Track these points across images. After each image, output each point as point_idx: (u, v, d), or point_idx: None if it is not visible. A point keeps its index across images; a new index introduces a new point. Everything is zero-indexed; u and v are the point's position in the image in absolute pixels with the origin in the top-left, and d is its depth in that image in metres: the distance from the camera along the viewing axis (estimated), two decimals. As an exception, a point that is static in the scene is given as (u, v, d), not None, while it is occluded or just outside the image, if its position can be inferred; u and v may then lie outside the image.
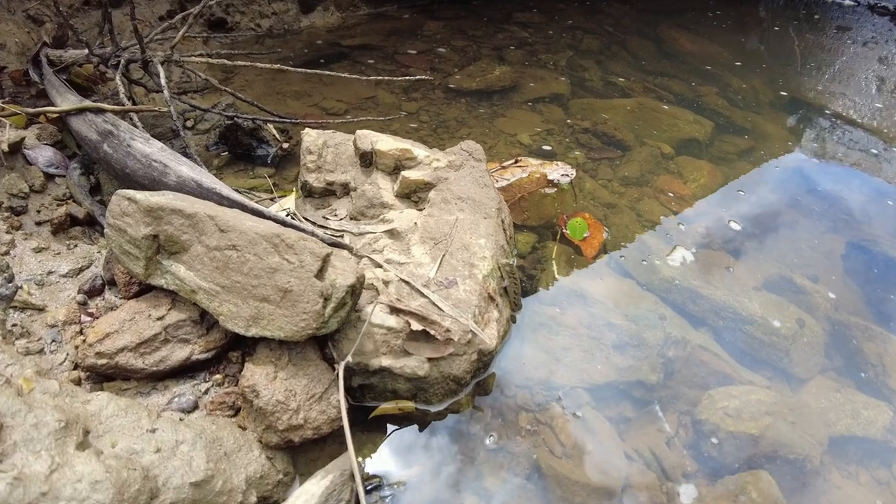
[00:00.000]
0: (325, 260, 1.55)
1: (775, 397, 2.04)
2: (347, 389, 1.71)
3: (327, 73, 2.69)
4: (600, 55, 4.13)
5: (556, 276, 2.25)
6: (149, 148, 2.16)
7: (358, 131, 2.29)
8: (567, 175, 2.64)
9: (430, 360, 1.65)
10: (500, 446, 1.79)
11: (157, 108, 2.36)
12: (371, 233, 2.02)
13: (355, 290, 1.58)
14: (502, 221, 2.06)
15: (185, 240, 1.67)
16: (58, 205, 2.42)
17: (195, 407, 1.71)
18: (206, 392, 1.77)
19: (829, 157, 3.38)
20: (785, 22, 5.22)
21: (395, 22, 4.34)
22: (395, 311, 1.67)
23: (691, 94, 3.79)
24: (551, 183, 2.62)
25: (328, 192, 2.26)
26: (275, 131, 2.91)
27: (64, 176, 2.56)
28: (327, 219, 2.17)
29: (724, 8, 5.30)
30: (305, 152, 2.28)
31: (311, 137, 2.31)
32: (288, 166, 2.90)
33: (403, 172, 2.13)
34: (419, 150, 2.20)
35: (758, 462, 1.88)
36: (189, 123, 3.09)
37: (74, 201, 2.46)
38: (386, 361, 1.65)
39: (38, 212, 2.36)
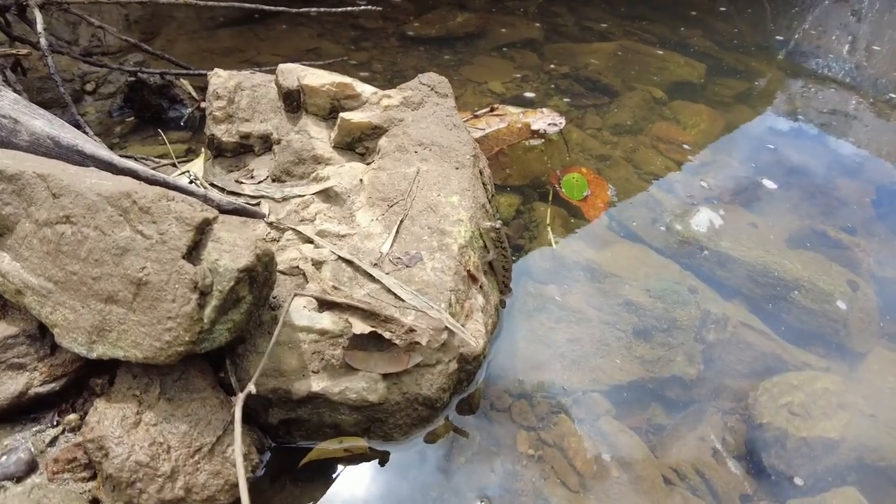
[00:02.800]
0: (202, 230, 0.91)
1: (843, 383, 1.48)
2: (267, 428, 1.09)
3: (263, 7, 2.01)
4: (573, 1, 3.49)
5: (553, 244, 1.64)
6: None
7: (281, 66, 1.63)
8: (555, 124, 2.02)
9: (386, 376, 1.04)
10: (494, 485, 1.18)
11: (14, 51, 1.65)
12: (298, 196, 1.37)
13: (256, 276, 0.94)
14: (480, 172, 1.43)
15: (7, 214, 1.01)
16: None
17: (31, 469, 1.06)
18: (51, 443, 1.12)
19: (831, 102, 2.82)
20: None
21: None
22: (326, 305, 1.04)
23: (676, 37, 3.19)
24: (536, 134, 1.99)
25: (243, 149, 1.60)
26: (191, 89, 2.21)
27: None
28: (241, 183, 1.51)
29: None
30: (212, 97, 1.61)
31: (219, 79, 1.64)
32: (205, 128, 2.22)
33: (343, 115, 1.48)
34: (363, 87, 1.55)
35: (841, 476, 1.31)
36: (90, 87, 2.37)
37: None
38: (318, 384, 1.03)
39: None
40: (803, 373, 1.47)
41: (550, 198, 1.77)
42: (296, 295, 1.02)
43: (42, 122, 1.37)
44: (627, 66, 2.79)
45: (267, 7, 2.15)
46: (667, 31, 3.26)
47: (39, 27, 1.94)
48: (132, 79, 2.14)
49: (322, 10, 2.11)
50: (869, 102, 2.84)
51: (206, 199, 1.18)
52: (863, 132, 2.58)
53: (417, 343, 1.02)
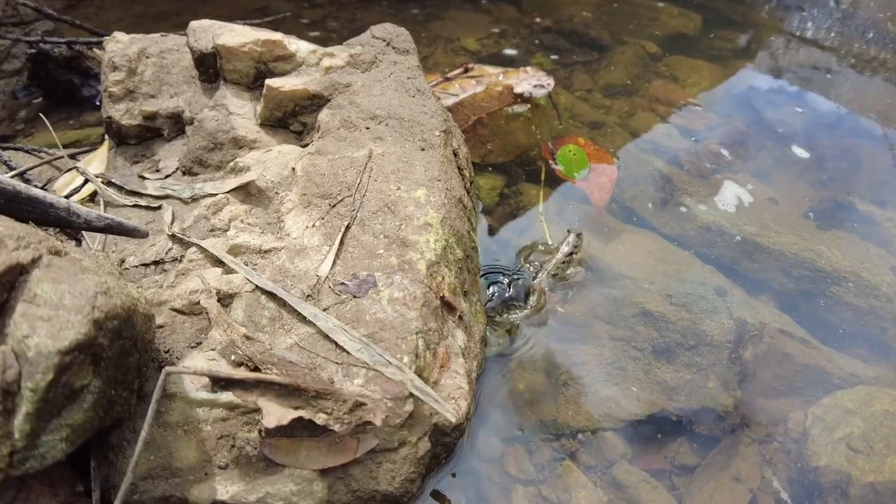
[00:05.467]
0: (9, 285, 0.53)
1: (901, 398, 1.17)
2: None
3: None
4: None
5: (549, 239, 1.27)
6: None
7: (193, 23, 1.20)
8: (542, 85, 1.62)
9: (325, 471, 0.69)
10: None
11: None
12: (210, 195, 0.98)
13: (103, 352, 0.57)
14: (454, 153, 1.05)
15: None
16: None
17: None
18: None
19: (843, 52, 2.45)
20: None
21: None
22: (221, 383, 0.67)
23: (666, -15, 2.77)
24: (520, 98, 1.60)
25: (150, 133, 1.18)
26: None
27: None
28: (144, 178, 1.11)
29: None
30: (108, 68, 1.18)
31: (118, 45, 1.20)
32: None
33: (270, 80, 1.08)
34: (298, 44, 1.14)
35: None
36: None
37: None
38: (227, 487, 0.67)
39: None
40: (855, 390, 1.15)
41: (543, 177, 1.39)
42: (168, 373, 0.65)
43: None
44: (617, 18, 2.38)
45: None
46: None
47: None
48: (33, 51, 1.68)
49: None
50: (873, 56, 2.48)
51: (68, 213, 0.79)
52: (870, 86, 2.23)
53: (370, 423, 0.66)
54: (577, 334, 1.14)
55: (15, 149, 1.39)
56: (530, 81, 1.62)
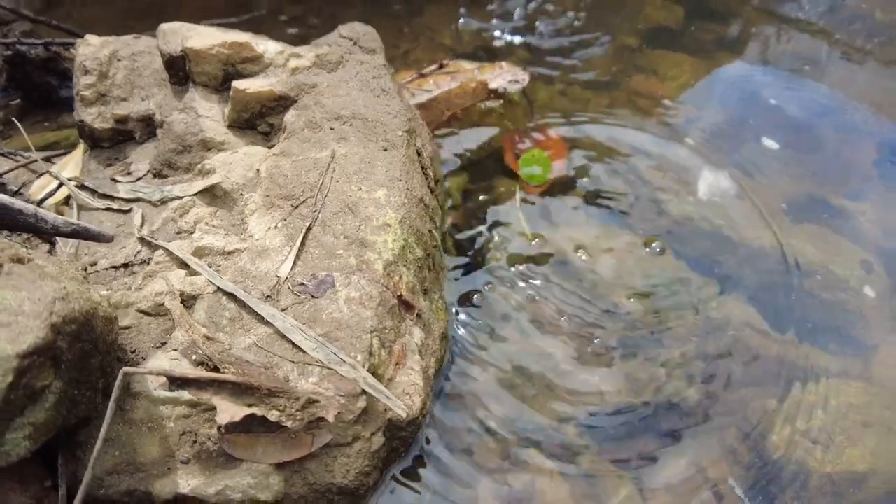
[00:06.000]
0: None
1: (865, 391, 1.21)
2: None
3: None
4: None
5: (529, 236, 1.31)
6: None
7: (163, 26, 1.23)
8: (517, 80, 1.65)
9: (281, 465, 0.73)
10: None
11: None
12: (178, 197, 1.03)
13: (62, 354, 0.61)
14: (418, 153, 1.09)
15: None
16: None
17: None
18: None
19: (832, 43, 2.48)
20: None
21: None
22: (178, 382, 0.72)
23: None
24: (494, 93, 1.64)
25: (122, 137, 1.22)
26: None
27: None
28: (116, 181, 1.15)
29: None
30: (79, 71, 1.21)
31: (90, 48, 1.24)
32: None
33: (236, 83, 1.12)
34: (266, 44, 1.18)
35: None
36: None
37: None
38: (189, 481, 0.71)
39: None
40: (820, 383, 1.20)
41: (520, 169, 1.42)
42: (125, 373, 0.69)
43: None
44: (597, 9, 2.41)
45: None
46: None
47: None
48: (9, 52, 1.72)
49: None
50: (860, 47, 2.51)
51: (35, 219, 0.83)
52: (857, 78, 2.26)
53: (323, 419, 0.71)
54: (544, 328, 1.18)
55: (-9, 151, 1.43)
56: (505, 77, 1.66)
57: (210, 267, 0.87)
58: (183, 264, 0.89)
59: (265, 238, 0.91)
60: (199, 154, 1.10)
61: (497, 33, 2.20)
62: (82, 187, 1.16)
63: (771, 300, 1.32)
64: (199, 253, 0.90)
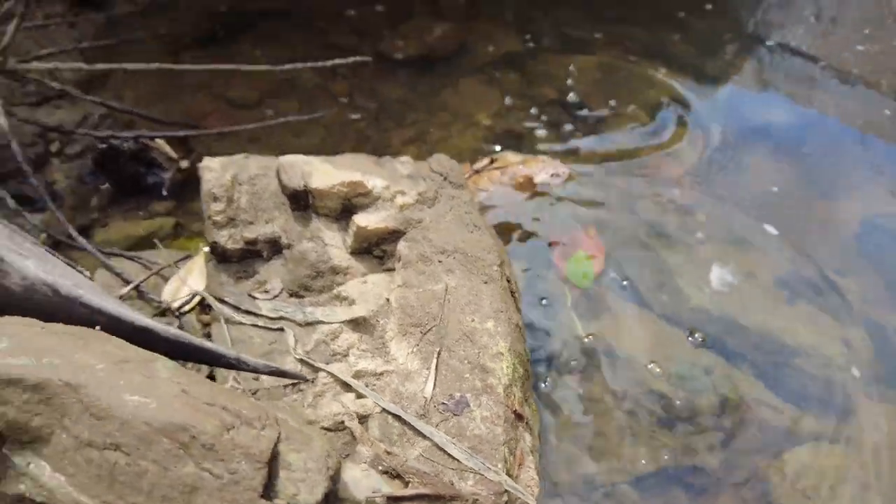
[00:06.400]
0: (273, 459, 0.86)
1: (844, 453, 1.58)
2: None
3: (229, 67, 1.86)
4: (548, 3, 3.37)
5: (582, 334, 1.64)
6: (-35, 226, 1.32)
7: (282, 160, 1.52)
8: (558, 174, 1.98)
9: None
10: None
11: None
12: (324, 322, 1.31)
13: (329, 495, 0.91)
14: (508, 282, 1.40)
15: (39, 426, 0.92)
16: None
17: None
18: None
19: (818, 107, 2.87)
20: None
21: (301, -28, 3.37)
22: (393, 499, 1.01)
23: (656, 43, 3.14)
24: (538, 187, 1.96)
25: (251, 254, 1.51)
26: (168, 148, 2.03)
27: None
28: (255, 298, 1.43)
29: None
30: (208, 198, 1.49)
31: (212, 173, 1.52)
32: (191, 193, 2.07)
33: (357, 218, 1.41)
34: (374, 181, 1.47)
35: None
36: (54, 147, 2.16)
37: None
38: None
39: None
40: (811, 445, 1.56)
41: (567, 266, 1.75)
42: (368, 500, 0.99)
43: (34, 263, 1.25)
44: (613, 86, 2.75)
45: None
46: (647, 35, 3.20)
47: (-10, 95, 1.75)
48: (104, 146, 1.96)
49: (317, 64, 1.96)
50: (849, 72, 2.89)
51: (238, 363, 1.12)
52: (843, 146, 2.64)
53: (481, 514, 1.02)
54: (597, 408, 1.52)
55: (117, 255, 1.68)
56: (547, 171, 1.98)
57: (367, 387, 1.17)
58: (346, 385, 1.18)
59: (406, 362, 1.21)
60: (329, 278, 1.39)
61: (524, 114, 2.52)
62: (222, 301, 1.44)
63: (774, 376, 1.68)
64: (357, 375, 1.19)
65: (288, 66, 1.84)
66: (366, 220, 1.40)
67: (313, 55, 2.71)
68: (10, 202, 1.77)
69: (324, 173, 1.45)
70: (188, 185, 2.08)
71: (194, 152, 2.16)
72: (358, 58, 1.89)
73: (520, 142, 2.38)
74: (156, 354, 1.07)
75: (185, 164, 2.05)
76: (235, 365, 1.12)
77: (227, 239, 1.46)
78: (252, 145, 2.27)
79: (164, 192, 2.00)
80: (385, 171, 1.60)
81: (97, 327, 1.17)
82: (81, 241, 1.65)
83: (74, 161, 2.19)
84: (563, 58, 2.84)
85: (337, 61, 1.87)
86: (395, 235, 1.42)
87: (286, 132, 2.34)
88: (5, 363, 0.97)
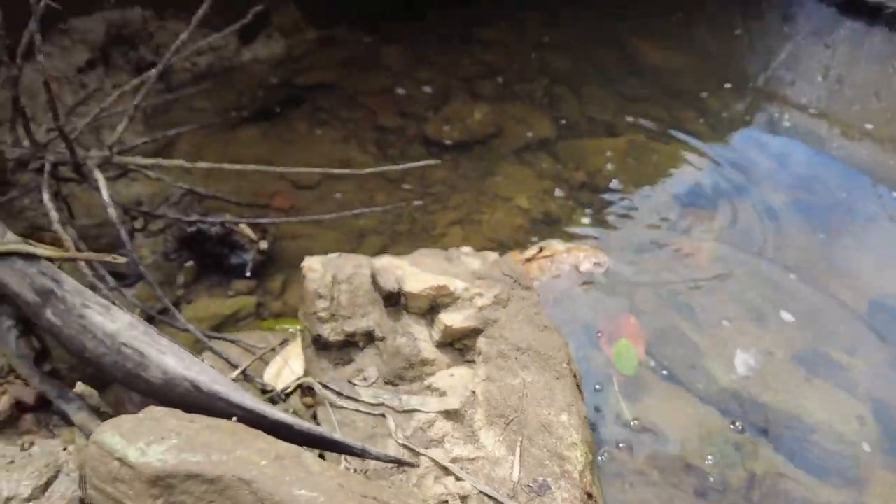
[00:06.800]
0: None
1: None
2: None
3: (317, 171, 2.16)
4: (573, 78, 3.71)
5: (629, 419, 1.91)
6: (112, 323, 1.59)
7: (376, 264, 1.81)
8: (600, 264, 2.28)
9: None
10: None
11: (111, 258, 1.76)
12: (420, 411, 1.58)
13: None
14: (574, 377, 1.68)
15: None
16: (-7, 383, 1.80)
17: None
18: None
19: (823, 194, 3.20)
20: (748, 21, 5.03)
21: (347, 48, 3.72)
22: None
23: (672, 120, 3.48)
24: (583, 276, 2.25)
25: (348, 344, 1.78)
26: (249, 231, 2.33)
27: (-8, 334, 1.92)
28: (354, 384, 1.70)
29: (672, 3, 5.01)
30: (313, 296, 1.77)
31: (315, 273, 1.80)
32: (269, 273, 2.35)
33: (443, 317, 1.69)
34: (456, 284, 1.76)
35: None
36: (138, 224, 2.45)
37: (17, 376, 1.85)
38: None
39: (-32, 400, 1.74)
40: (829, 514, 1.83)
41: (616, 353, 2.04)
42: None
43: (173, 360, 1.52)
44: (639, 166, 3.07)
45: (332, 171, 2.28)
46: (663, 112, 3.54)
47: (104, 193, 2.03)
48: (192, 230, 2.25)
49: (380, 170, 2.26)
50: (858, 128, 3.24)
51: (363, 453, 1.38)
52: (851, 227, 2.96)
53: (569, 584, 1.28)
54: (642, 480, 1.78)
55: (218, 338, 1.95)
56: (590, 260, 2.28)
57: (463, 471, 1.44)
58: (445, 469, 1.45)
59: (494, 449, 1.47)
60: (419, 369, 1.66)
61: (560, 197, 2.83)
62: (325, 387, 1.71)
63: (795, 450, 1.95)
64: (454, 461, 1.46)
65: (368, 171, 2.13)
66: (451, 319, 1.68)
67: (366, 137, 3.05)
68: (110, 279, 2.03)
69: (413, 277, 1.73)
70: (265, 265, 2.36)
71: (267, 232, 2.45)
72: (429, 161, 2.18)
73: (558, 225, 2.68)
74: (298, 448, 1.34)
75: (263, 245, 2.33)
76: (360, 454, 1.39)
77: (330, 332, 1.74)
78: (318, 226, 2.56)
79: (248, 273, 2.27)
80: (457, 267, 1.89)
81: (233, 419, 1.44)
82: (186, 322, 1.92)
83: (157, 236, 2.48)
84: (593, 141, 3.18)
85: (409, 165, 2.17)
86: (475, 332, 1.70)
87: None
88: (185, 459, 1.23)
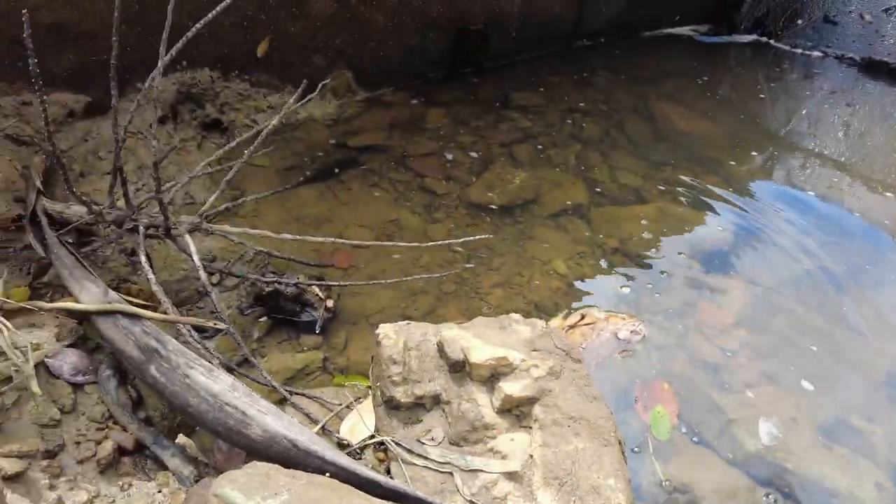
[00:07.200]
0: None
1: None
2: None
3: (388, 244, 2.44)
4: (602, 144, 4.02)
5: (663, 479, 2.14)
6: (216, 384, 1.85)
7: (444, 334, 2.07)
8: (637, 332, 2.53)
9: None
10: None
11: (212, 324, 2.04)
12: (483, 471, 1.83)
13: None
14: (619, 442, 1.92)
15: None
16: (97, 429, 2.07)
17: None
18: None
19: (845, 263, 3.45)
20: (771, 82, 5.36)
21: (394, 110, 4.04)
22: None
23: (698, 185, 3.77)
24: (621, 343, 2.51)
25: (416, 405, 2.04)
26: (318, 290, 2.61)
27: (94, 383, 2.20)
28: (423, 443, 1.95)
29: (698, 66, 5.34)
30: (388, 362, 2.03)
31: (390, 341, 2.07)
32: (333, 328, 2.63)
33: (503, 386, 1.94)
34: (514, 355, 2.02)
35: None
36: (214, 279, 2.74)
37: (115, 422, 2.12)
38: None
39: (77, 444, 2.00)
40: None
41: (652, 422, 2.28)
42: None
43: (273, 420, 1.79)
44: (667, 233, 3.34)
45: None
46: (689, 177, 3.83)
47: (195, 257, 2.32)
48: (270, 289, 2.53)
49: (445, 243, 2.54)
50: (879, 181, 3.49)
51: (438, 506, 1.63)
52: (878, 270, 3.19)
53: None
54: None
55: (298, 393, 2.21)
56: (628, 328, 2.53)
57: (525, 527, 1.68)
58: (510, 525, 1.69)
59: (552, 508, 1.72)
60: (482, 432, 1.91)
61: (594, 262, 3.10)
62: (397, 444, 1.96)
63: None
64: (518, 518, 1.70)
65: (430, 244, 2.41)
66: (511, 388, 1.94)
67: (414, 199, 3.35)
68: (194, 334, 2.30)
69: (476, 348, 1.99)
70: (330, 322, 2.63)
71: (331, 290, 2.72)
72: (482, 236, 2.46)
73: (593, 290, 2.94)
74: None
75: (330, 303, 2.61)
76: (433, 507, 1.64)
77: (402, 394, 2.00)
78: (375, 287, 2.83)
79: (318, 330, 2.54)
80: (510, 336, 2.15)
81: (327, 474, 1.70)
82: (271, 379, 2.19)
83: (231, 291, 2.76)
84: (624, 208, 3.46)
85: (465, 239, 2.44)
86: (531, 401, 1.95)
87: (400, 273, 2.91)
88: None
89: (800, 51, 6.30)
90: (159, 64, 2.08)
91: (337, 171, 3.46)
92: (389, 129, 3.83)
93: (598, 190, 3.57)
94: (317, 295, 2.59)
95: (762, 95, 5.10)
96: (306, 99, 3.88)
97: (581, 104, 4.33)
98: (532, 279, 2.98)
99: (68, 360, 2.13)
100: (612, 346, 2.47)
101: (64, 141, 3.23)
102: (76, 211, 2.55)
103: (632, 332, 2.51)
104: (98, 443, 2.05)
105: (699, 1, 6.03)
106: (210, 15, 2.19)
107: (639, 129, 4.23)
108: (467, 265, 2.97)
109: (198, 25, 2.11)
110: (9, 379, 1.99)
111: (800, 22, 6.55)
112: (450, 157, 3.65)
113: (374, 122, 3.89)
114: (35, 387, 1.96)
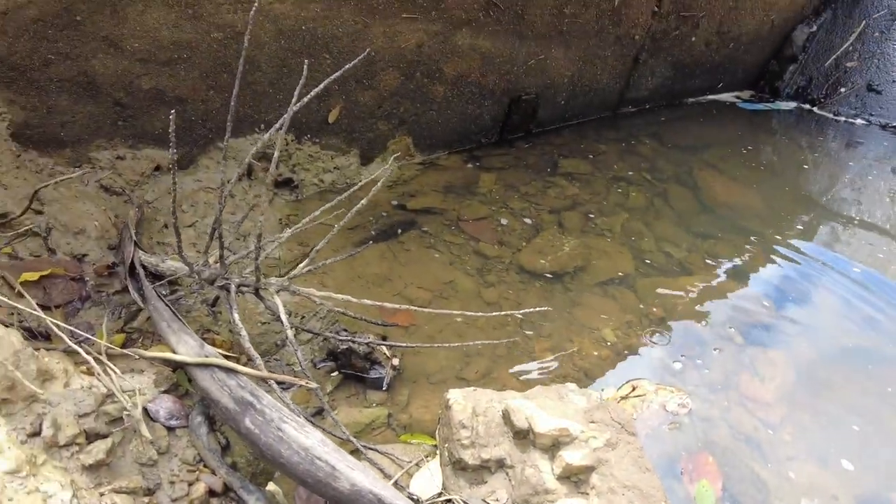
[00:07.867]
0: None
1: None
2: None
3: (438, 311, 2.73)
4: (647, 213, 4.30)
5: None
6: (307, 439, 2.13)
7: (510, 403, 2.33)
8: (684, 405, 2.76)
9: None
10: None
11: (304, 382, 2.35)
12: (547, 533, 2.07)
13: None
14: (668, 513, 2.15)
15: None
16: (188, 470, 2.36)
17: None
18: None
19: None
20: (815, 151, 5.61)
21: (447, 174, 4.40)
22: None
23: (740, 258, 4.02)
24: (669, 416, 2.74)
25: (482, 467, 2.29)
26: (385, 349, 2.90)
27: (184, 427, 2.50)
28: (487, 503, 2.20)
29: (741, 134, 5.63)
30: (458, 426, 2.30)
31: (459, 405, 2.34)
32: (398, 388, 2.91)
33: (564, 454, 2.19)
34: (574, 426, 2.27)
35: None
36: (291, 332, 3.05)
37: (205, 465, 2.41)
38: None
39: (172, 483, 2.29)
40: None
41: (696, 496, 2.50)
42: None
43: (360, 475, 2.05)
44: (712, 305, 3.58)
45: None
46: (732, 251, 4.08)
47: (283, 316, 2.63)
48: (344, 346, 2.83)
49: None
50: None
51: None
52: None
53: None
54: None
55: (372, 449, 2.48)
56: (675, 400, 2.76)
57: (585, 589, 1.90)
58: (571, 586, 1.92)
59: (609, 572, 1.94)
60: (542, 496, 2.16)
61: (641, 331, 3.34)
62: (464, 502, 2.21)
63: None
64: (579, 579, 1.93)
65: (494, 314, 2.69)
66: (571, 457, 2.18)
67: (468, 262, 3.65)
68: (277, 387, 2.59)
69: (540, 419, 2.25)
70: (395, 380, 2.91)
71: (392, 347, 3.01)
72: (541, 308, 2.73)
73: (639, 359, 3.18)
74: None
75: (396, 362, 2.89)
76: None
77: (470, 456, 2.26)
78: (434, 347, 3.11)
79: (385, 387, 2.82)
80: (567, 405, 2.40)
81: (407, 526, 1.95)
82: (349, 435, 2.46)
83: (305, 345, 3.06)
84: (668, 279, 3.71)
85: (525, 311, 2.72)
86: (589, 469, 2.20)
87: (455, 334, 3.19)
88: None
89: (843, 118, 6.58)
90: (271, 130, 2.43)
91: (399, 231, 3.78)
92: (444, 193, 4.16)
93: (646, 260, 3.84)
94: (384, 354, 2.88)
95: (805, 166, 5.35)
96: (368, 161, 4.27)
97: (629, 172, 4.63)
98: (583, 347, 3.23)
99: (164, 406, 2.44)
100: (660, 418, 2.70)
101: (150, 192, 3.61)
102: (170, 266, 2.89)
103: (679, 405, 2.74)
104: (190, 484, 2.34)
105: (742, 69, 6.37)
106: (306, 98, 2.57)
107: (683, 198, 4.51)
108: (522, 330, 3.24)
109: (295, 107, 2.48)
110: (119, 420, 2.30)
111: (843, 90, 6.84)
112: (503, 221, 3.96)
113: (428, 184, 4.23)
114: (145, 430, 2.26)
